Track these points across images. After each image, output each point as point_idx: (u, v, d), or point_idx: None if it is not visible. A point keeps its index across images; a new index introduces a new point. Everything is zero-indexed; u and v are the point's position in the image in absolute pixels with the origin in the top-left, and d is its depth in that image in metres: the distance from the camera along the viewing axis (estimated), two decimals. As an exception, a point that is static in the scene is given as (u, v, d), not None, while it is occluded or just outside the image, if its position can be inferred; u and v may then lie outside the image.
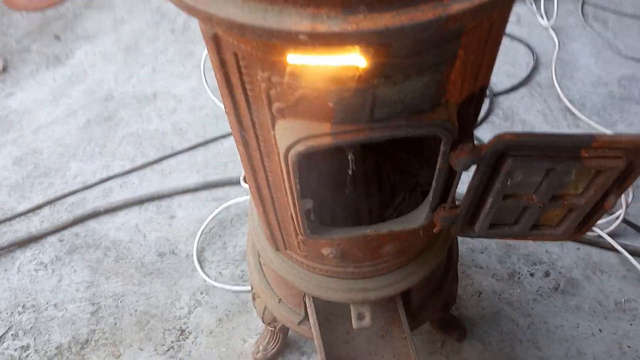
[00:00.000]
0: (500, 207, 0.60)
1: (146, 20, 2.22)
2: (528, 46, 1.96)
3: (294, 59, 0.46)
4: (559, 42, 1.96)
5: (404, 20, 0.38)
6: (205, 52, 1.97)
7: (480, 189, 0.59)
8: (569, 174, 0.55)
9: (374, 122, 0.51)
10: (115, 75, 2.02)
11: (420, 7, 0.38)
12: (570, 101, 1.78)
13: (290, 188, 0.60)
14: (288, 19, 0.39)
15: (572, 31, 2.02)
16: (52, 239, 1.59)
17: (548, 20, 2.02)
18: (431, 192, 0.62)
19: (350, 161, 0.68)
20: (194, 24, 2.16)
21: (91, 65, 2.06)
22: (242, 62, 0.50)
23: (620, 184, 0.57)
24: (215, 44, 0.50)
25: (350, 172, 0.71)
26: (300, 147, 0.52)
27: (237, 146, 0.67)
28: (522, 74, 1.89)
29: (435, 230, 0.68)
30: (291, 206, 0.65)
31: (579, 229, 0.65)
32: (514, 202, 0.60)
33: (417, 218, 0.67)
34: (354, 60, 0.44)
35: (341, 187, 0.85)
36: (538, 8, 2.08)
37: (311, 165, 0.64)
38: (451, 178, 0.60)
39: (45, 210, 1.65)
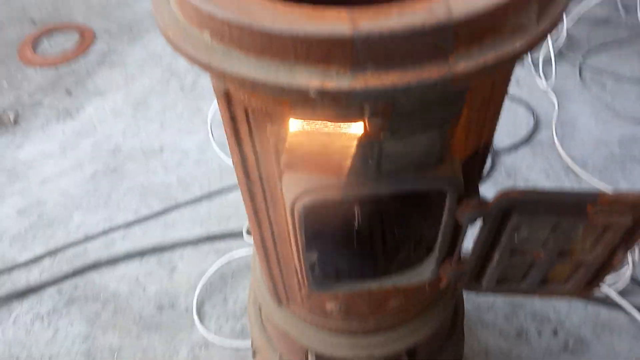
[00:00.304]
0: (507, 262, 0.60)
1: (157, 77, 2.29)
2: (528, 107, 2.01)
3: (297, 126, 0.47)
4: (558, 103, 2.00)
5: (411, 79, 0.39)
6: (212, 108, 2.03)
7: (487, 244, 0.59)
8: (576, 230, 0.55)
9: (380, 176, 0.51)
10: (124, 130, 2.06)
11: (427, 66, 0.39)
12: (572, 160, 1.80)
13: (296, 241, 0.60)
14: (299, 76, 0.40)
15: (570, 93, 2.07)
16: (51, 290, 1.57)
17: (547, 82, 2.08)
18: (437, 246, 0.62)
19: (357, 215, 0.69)
20: (203, 81, 2.23)
21: (101, 120, 2.11)
22: (252, 116, 0.51)
23: (627, 240, 0.57)
24: (227, 99, 0.51)
25: (356, 226, 0.71)
26: (307, 200, 0.53)
27: (243, 198, 0.68)
28: (523, 133, 1.92)
29: (441, 285, 0.67)
30: (296, 259, 0.64)
31: (588, 285, 0.64)
32: (521, 258, 0.60)
33: (423, 272, 0.66)
34: (362, 116, 0.45)
35: (345, 241, 0.85)
36: (537, 70, 2.14)
37: (315, 218, 0.64)
38: (457, 232, 0.60)
39: (46, 261, 1.64)
